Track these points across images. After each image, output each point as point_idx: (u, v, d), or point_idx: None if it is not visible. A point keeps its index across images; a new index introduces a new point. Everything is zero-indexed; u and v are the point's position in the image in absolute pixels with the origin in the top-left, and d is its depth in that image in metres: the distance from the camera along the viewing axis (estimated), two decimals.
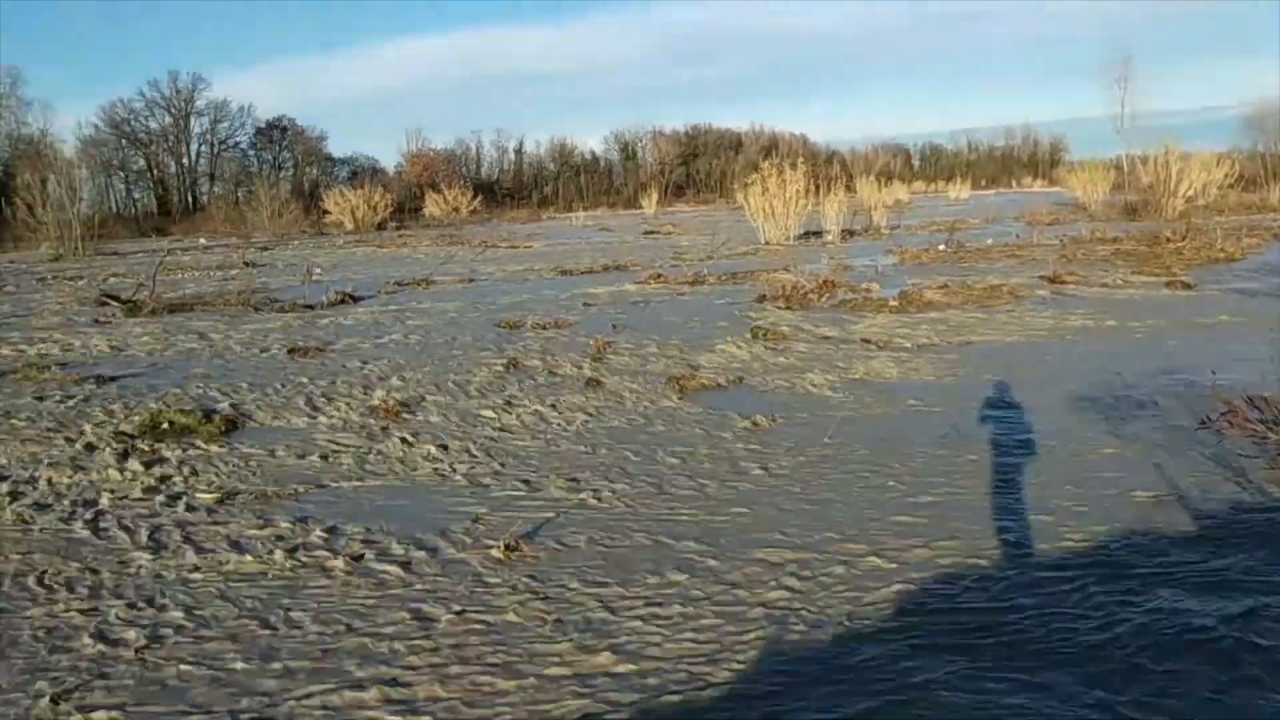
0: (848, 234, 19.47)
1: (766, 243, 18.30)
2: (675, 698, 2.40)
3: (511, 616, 2.88)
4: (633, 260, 15.59)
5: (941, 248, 15.14)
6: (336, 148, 56.95)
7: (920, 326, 7.97)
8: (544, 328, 8.47)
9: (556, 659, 2.61)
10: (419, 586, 3.13)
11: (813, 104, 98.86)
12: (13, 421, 5.35)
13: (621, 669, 2.55)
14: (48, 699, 2.46)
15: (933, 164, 65.31)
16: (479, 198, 43.05)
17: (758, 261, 14.70)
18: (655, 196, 42.48)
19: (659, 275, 12.68)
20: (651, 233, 24.99)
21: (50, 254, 21.79)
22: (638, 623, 2.81)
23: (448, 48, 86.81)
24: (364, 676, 2.55)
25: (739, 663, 2.55)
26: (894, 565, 3.16)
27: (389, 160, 55.79)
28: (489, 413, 5.45)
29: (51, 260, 20.60)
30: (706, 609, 2.89)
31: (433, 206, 40.17)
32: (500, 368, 6.65)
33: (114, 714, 2.40)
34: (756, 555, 3.29)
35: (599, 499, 3.94)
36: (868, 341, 7.41)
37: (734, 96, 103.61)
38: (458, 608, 2.95)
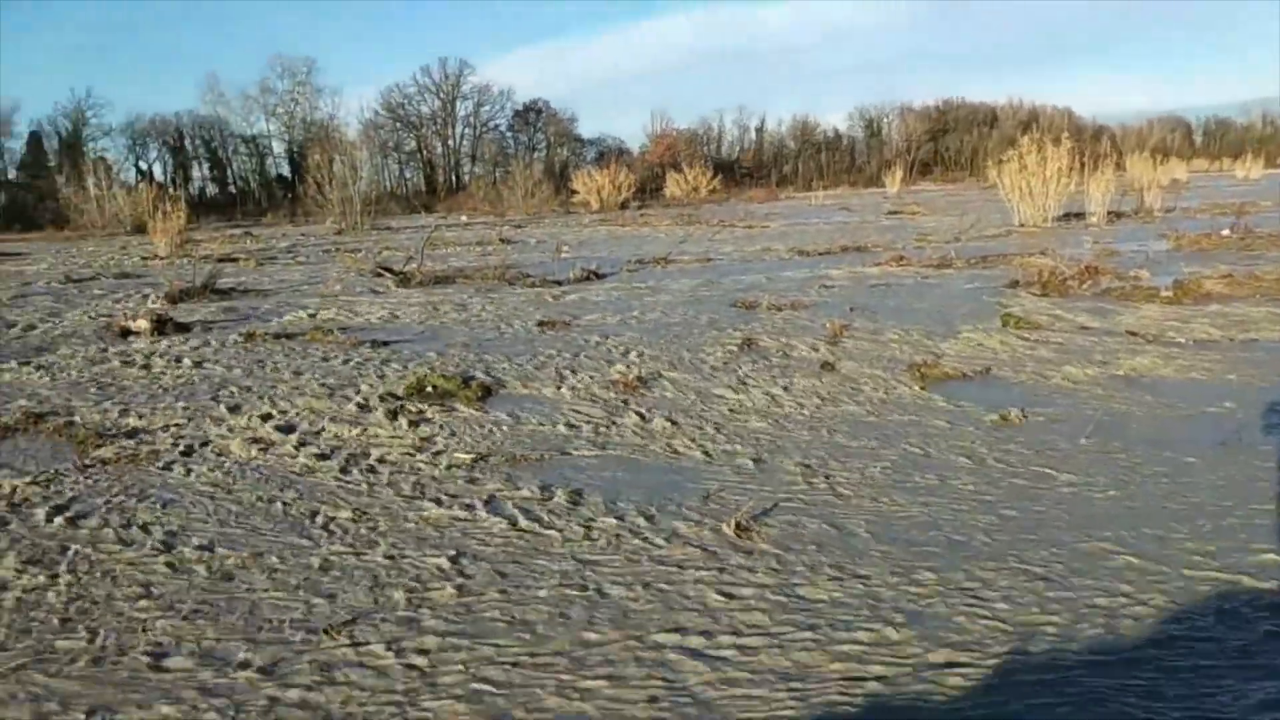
0: (1114, 216, 17.96)
1: (1021, 224, 17.23)
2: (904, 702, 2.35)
3: (747, 594, 2.92)
4: (873, 241, 15.18)
5: (1226, 232, 13.63)
6: (586, 129, 59.13)
7: (1197, 320, 7.24)
8: (779, 309, 8.44)
9: (788, 644, 2.63)
10: (653, 556, 3.24)
11: (1079, 74, 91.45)
12: (304, 378, 6.03)
13: (849, 664, 2.53)
14: (322, 630, 2.77)
15: (1218, 139, 58.78)
16: (718, 177, 43.32)
17: (1010, 244, 13.89)
18: (899, 175, 41.03)
19: (901, 257, 12.28)
20: (894, 213, 24.19)
21: (334, 228, 24.17)
22: (865, 612, 2.77)
23: (694, 26, 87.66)
24: (602, 638, 2.68)
25: (977, 680, 2.46)
26: (1169, 584, 2.92)
27: (634, 140, 57.22)
28: (722, 391, 5.52)
29: (335, 234, 22.82)
30: (932, 606, 2.80)
31: (673, 186, 40.87)
32: (735, 347, 6.71)
33: (382, 647, 2.66)
34: (999, 562, 3.14)
35: (831, 485, 3.91)
36: (1134, 334, 6.83)
37: (989, 67, 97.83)
38: (697, 580, 3.03)
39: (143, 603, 2.97)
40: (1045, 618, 2.70)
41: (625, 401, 5.36)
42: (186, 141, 50.38)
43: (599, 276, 11.54)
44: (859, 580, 2.99)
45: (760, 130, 59.70)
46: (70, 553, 3.38)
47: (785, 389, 5.53)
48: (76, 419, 5.15)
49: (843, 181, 52.32)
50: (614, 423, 4.95)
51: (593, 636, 2.68)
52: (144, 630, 2.78)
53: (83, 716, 2.34)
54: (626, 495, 3.85)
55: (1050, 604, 2.78)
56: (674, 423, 4.91)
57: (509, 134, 56.14)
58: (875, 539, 3.32)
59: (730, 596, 2.90)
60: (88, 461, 4.44)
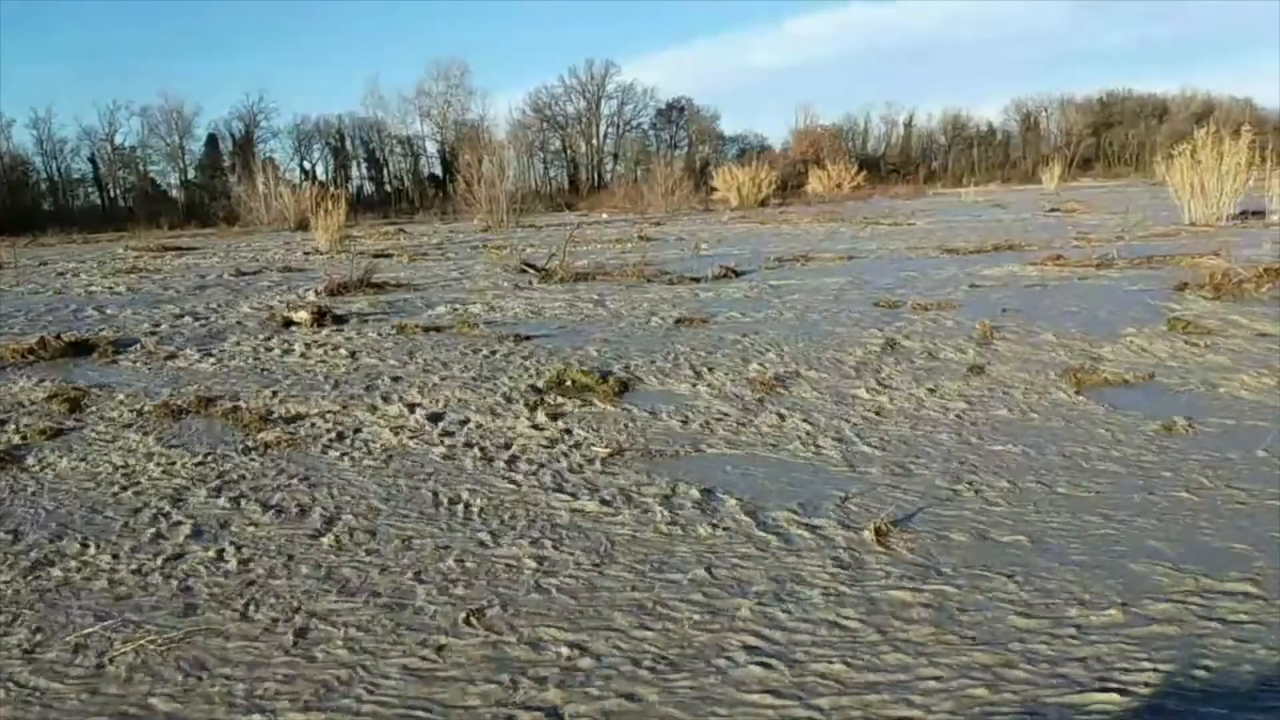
0: None
1: (1191, 223, 16.10)
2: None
3: (889, 602, 2.83)
4: (1028, 240, 14.51)
5: None
6: (728, 126, 59.01)
7: None
8: (925, 308, 8.17)
9: (936, 654, 2.53)
10: (788, 560, 3.18)
11: (1263, 61, 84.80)
12: (450, 370, 6.24)
13: (1006, 672, 2.41)
14: (462, 616, 2.84)
15: None
16: (862, 173, 42.41)
17: (1179, 244, 13.00)
18: (1057, 170, 39.07)
19: (1058, 257, 11.68)
20: (1052, 210, 23.05)
21: (481, 225, 24.95)
22: (1017, 618, 2.63)
23: (840, 22, 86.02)
24: (736, 637, 2.65)
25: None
26: None
27: (777, 138, 56.69)
28: (862, 393, 5.38)
29: (482, 231, 23.55)
30: (1092, 623, 2.64)
31: (815, 182, 40.26)
32: (876, 348, 6.54)
33: (514, 639, 2.71)
34: (1167, 579, 2.93)
35: (978, 494, 3.74)
36: None
37: (1158, 57, 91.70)
38: (828, 587, 2.96)
39: (293, 581, 3.13)
40: (1220, 642, 2.50)
41: (762, 400, 5.30)
42: (347, 142, 53.13)
43: (737, 274, 11.46)
44: (1006, 596, 2.85)
45: (909, 125, 58.11)
46: (232, 530, 3.60)
47: (930, 391, 5.34)
48: (242, 404, 5.49)
49: (995, 177, 50.30)
50: (750, 421, 4.90)
51: (728, 637, 2.65)
52: (295, 612, 2.93)
53: (231, 685, 2.48)
54: (761, 495, 3.80)
55: (1223, 635, 2.57)
56: (811, 423, 4.82)
57: (651, 132, 56.64)
58: (1026, 552, 3.16)
59: (869, 606, 2.82)
60: (251, 444, 4.72)
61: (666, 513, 3.63)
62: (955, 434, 4.56)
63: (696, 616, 2.78)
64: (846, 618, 2.73)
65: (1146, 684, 2.32)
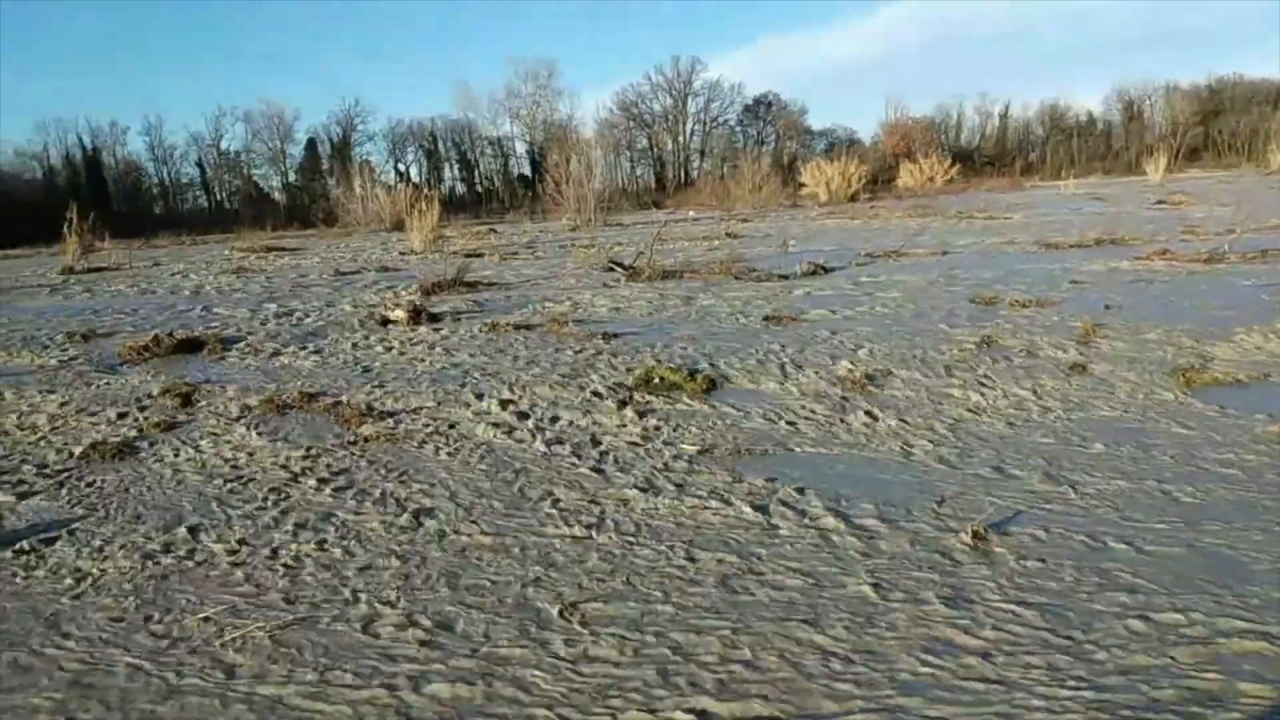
0: None
1: None
2: None
3: (988, 610, 2.77)
4: (1131, 234, 13.95)
5: None
6: (816, 120, 58.28)
7: None
8: (1023, 305, 7.94)
9: (1038, 668, 2.47)
10: (879, 560, 3.14)
11: None
12: (540, 367, 6.32)
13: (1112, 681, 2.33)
14: (556, 610, 2.88)
15: None
16: (956, 166, 41.42)
17: None
18: (1163, 161, 37.44)
19: (1164, 251, 11.22)
20: (1158, 202, 22.12)
21: (569, 225, 25.19)
22: (1123, 628, 2.55)
23: (932, 12, 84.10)
24: (825, 641, 2.63)
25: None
26: None
27: (866, 131, 55.81)
28: (958, 392, 5.26)
29: (570, 230, 23.77)
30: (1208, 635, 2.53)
31: (906, 176, 39.50)
32: (972, 346, 6.38)
33: (611, 637, 2.74)
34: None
35: (1081, 496, 3.63)
36: None
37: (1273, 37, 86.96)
38: (927, 589, 2.91)
39: (391, 572, 3.22)
40: None
41: (853, 399, 5.23)
42: (439, 144, 54.25)
43: (827, 270, 11.32)
44: (1112, 605, 2.75)
45: (1004, 116, 56.49)
46: (335, 520, 3.72)
47: (1029, 391, 5.20)
48: (343, 399, 5.67)
49: (1096, 169, 48.51)
50: (840, 420, 4.84)
51: (819, 639, 2.63)
52: (393, 603, 3.02)
53: (331, 673, 2.57)
54: (852, 495, 3.75)
55: None
56: (905, 423, 4.73)
57: (738, 128, 56.38)
58: (1133, 559, 3.05)
59: (967, 607, 2.76)
60: (351, 438, 4.87)
61: (756, 512, 3.61)
62: (1056, 435, 4.43)
63: (784, 620, 2.76)
64: (942, 625, 2.68)
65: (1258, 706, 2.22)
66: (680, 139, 55.23)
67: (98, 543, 3.59)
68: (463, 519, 3.68)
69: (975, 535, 3.23)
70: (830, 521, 3.48)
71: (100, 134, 48.19)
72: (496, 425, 5.01)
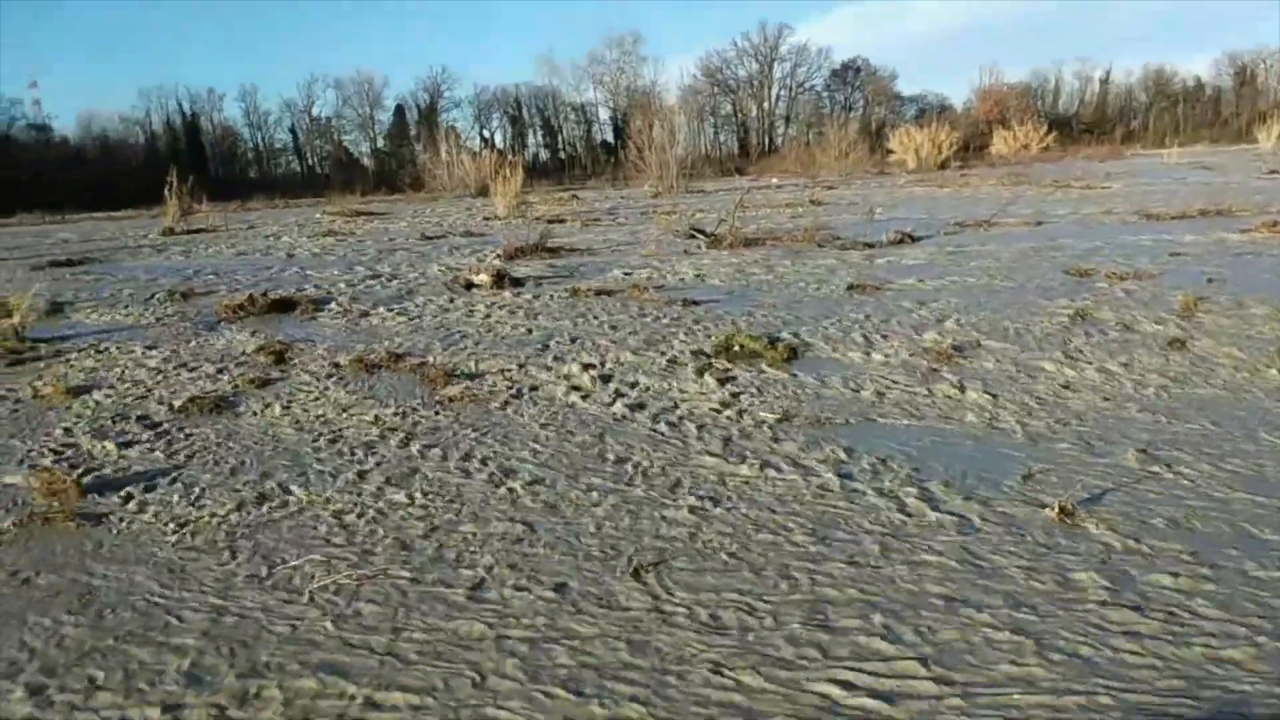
0: None
1: None
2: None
3: (1074, 586, 2.70)
4: (1239, 205, 13.28)
5: None
6: (906, 86, 56.82)
7: None
8: (1120, 278, 7.64)
9: (1123, 648, 2.40)
10: (961, 534, 3.08)
11: None
12: (620, 333, 6.35)
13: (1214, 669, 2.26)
14: (630, 570, 2.91)
15: None
16: (1052, 134, 39.95)
17: None
18: (1276, 129, 35.41)
19: (1275, 223, 10.65)
20: (1271, 172, 20.99)
21: (651, 191, 25.11)
22: (1217, 613, 2.46)
23: None
24: (900, 614, 2.60)
25: None
26: None
27: (958, 97, 54.18)
28: (1048, 365, 5.11)
29: (652, 197, 23.71)
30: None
31: (999, 144, 38.27)
32: (1065, 318, 6.18)
33: (684, 592, 2.76)
34: None
35: (1176, 476, 3.50)
36: None
37: None
38: (1017, 563, 2.85)
39: (473, 527, 3.29)
40: None
41: (938, 370, 5.12)
42: (524, 110, 54.52)
43: (914, 239, 11.07)
44: (1207, 590, 2.66)
45: (1105, 82, 54.18)
46: (419, 477, 3.81)
47: (1124, 366, 5.01)
48: (428, 360, 5.79)
49: (1202, 137, 46.25)
50: (925, 391, 4.75)
51: (876, 619, 2.61)
52: (474, 557, 3.09)
53: (412, 621, 2.65)
54: (935, 467, 3.69)
55: None
56: (992, 395, 4.62)
57: (825, 94, 55.27)
58: (1229, 542, 2.93)
59: (1057, 585, 2.69)
60: (436, 398, 4.97)
61: (836, 481, 3.58)
62: (1151, 412, 4.27)
63: (861, 592, 2.74)
64: (1024, 597, 2.63)
65: None
66: (765, 105, 54.43)
67: (197, 491, 3.75)
68: (543, 480, 3.73)
69: (1063, 511, 3.14)
70: (911, 493, 3.43)
71: (199, 100, 49.83)
72: (577, 389, 5.05)
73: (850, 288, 7.78)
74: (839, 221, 13.94)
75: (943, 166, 31.82)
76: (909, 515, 3.24)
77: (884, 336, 5.91)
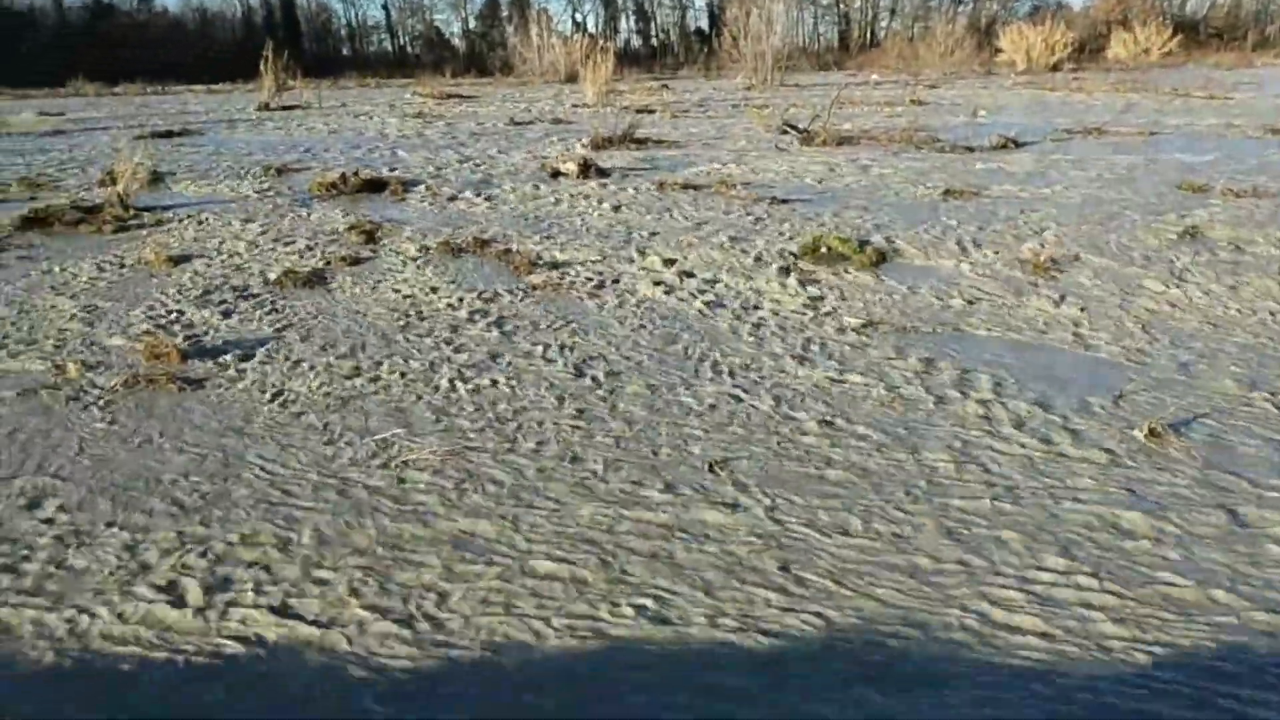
0: None
1: None
2: None
3: (1157, 500, 2.65)
4: None
5: None
6: None
7: None
8: (1238, 195, 7.22)
9: (1207, 574, 2.36)
10: (1045, 450, 3.03)
11: None
12: (705, 229, 6.28)
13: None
14: (706, 465, 2.95)
15: None
16: (1176, 37, 37.34)
17: None
18: None
19: None
20: None
21: (744, 83, 24.41)
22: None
23: None
24: (980, 532, 2.59)
25: None
26: None
27: None
28: (1152, 284, 4.90)
29: (745, 89, 23.06)
30: None
31: (1118, 47, 35.93)
32: (1173, 235, 5.89)
33: (758, 488, 2.79)
34: None
35: (1276, 404, 3.36)
36: None
37: None
38: (1091, 484, 2.80)
39: (553, 413, 3.36)
40: None
41: (1035, 283, 4.96)
42: None
43: (1018, 145, 10.59)
44: None
45: None
46: (503, 362, 3.89)
47: (1232, 289, 4.78)
48: (513, 247, 5.83)
49: None
50: (1019, 304, 4.62)
51: (966, 518, 2.60)
52: (553, 440, 3.16)
53: (493, 498, 2.74)
54: (1023, 382, 3.61)
55: None
56: (1089, 312, 4.47)
57: None
58: None
59: (1141, 507, 2.65)
60: (520, 285, 5.03)
61: (919, 390, 3.54)
62: (1258, 337, 4.08)
63: (937, 500, 2.73)
64: (1107, 510, 2.59)
65: None
66: None
67: (291, 363, 3.90)
68: (622, 370, 3.77)
69: (1151, 432, 3.06)
70: (996, 406, 3.37)
71: None
72: (659, 283, 5.04)
73: (947, 192, 7.52)
74: (939, 123, 13.39)
75: (1054, 69, 30.08)
76: (989, 429, 3.19)
77: (978, 245, 5.73)
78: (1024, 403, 3.40)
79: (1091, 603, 2.21)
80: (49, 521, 2.64)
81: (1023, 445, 3.05)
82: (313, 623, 2.18)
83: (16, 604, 2.26)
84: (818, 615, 2.18)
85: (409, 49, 51.70)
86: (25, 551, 2.49)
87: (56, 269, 5.49)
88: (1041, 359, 3.89)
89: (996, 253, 5.54)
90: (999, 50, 32.41)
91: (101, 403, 3.50)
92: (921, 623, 2.15)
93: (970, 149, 10.28)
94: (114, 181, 7.46)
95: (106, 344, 4.18)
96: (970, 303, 4.65)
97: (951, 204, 7.09)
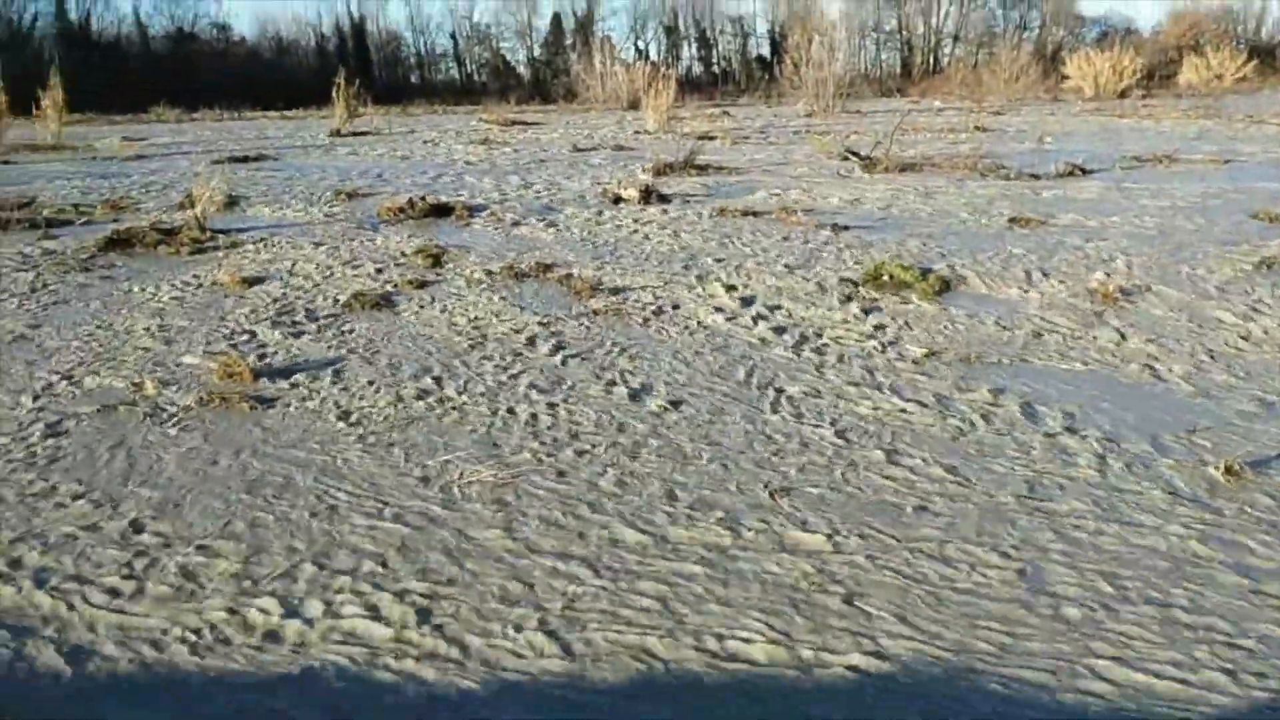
0: None
1: None
2: None
3: (1236, 543, 2.58)
4: None
5: None
6: (1089, 6, 52.69)
7: None
8: None
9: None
10: (1119, 487, 2.97)
11: None
12: (766, 255, 6.28)
13: None
14: (766, 493, 2.94)
15: None
16: (1250, 63, 36.40)
17: None
18: None
19: None
20: None
21: (805, 110, 24.39)
22: None
23: None
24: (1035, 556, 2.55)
25: None
26: None
27: (1146, 20, 49.93)
28: (1226, 316, 4.78)
29: (805, 116, 23.04)
30: None
31: (1189, 72, 35.13)
32: (1249, 266, 5.73)
33: (818, 519, 2.78)
34: None
35: None
36: None
37: None
38: (1162, 525, 2.74)
39: (613, 441, 3.39)
40: None
41: (1102, 314, 4.87)
42: (680, 20, 53.50)
43: (1085, 172, 10.41)
44: None
45: None
46: (565, 385, 3.93)
47: None
48: (574, 272, 5.89)
49: None
50: (1086, 336, 4.54)
51: (1028, 556, 2.55)
52: (609, 469, 3.18)
53: (546, 531, 2.77)
54: (1091, 415, 3.54)
55: None
56: (1160, 345, 4.37)
57: (999, 11, 51.83)
58: None
59: (1218, 550, 2.58)
60: (582, 310, 5.08)
61: (983, 423, 3.49)
62: None
63: (999, 537, 2.69)
64: (1179, 558, 2.53)
65: None
66: (932, 21, 51.50)
67: (358, 385, 3.99)
68: (683, 398, 3.79)
69: (1229, 470, 2.98)
70: (1064, 439, 3.31)
71: (366, 2, 51.06)
72: (719, 310, 5.05)
73: (1012, 220, 7.42)
74: (1004, 150, 13.22)
75: (1123, 95, 29.51)
76: (1057, 463, 3.14)
77: (1045, 274, 5.64)
78: (1092, 436, 3.33)
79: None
80: (145, 533, 2.74)
81: (1088, 479, 2.99)
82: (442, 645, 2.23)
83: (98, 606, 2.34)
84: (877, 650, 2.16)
85: (475, 76, 52.69)
86: (147, 562, 2.58)
87: (136, 289, 5.70)
88: (1112, 392, 3.81)
89: (1064, 282, 5.45)
90: (1065, 77, 31.94)
91: (176, 420, 3.62)
92: (988, 670, 2.12)
93: (1036, 176, 10.13)
94: (192, 205, 7.72)
95: (182, 362, 4.32)
96: (1037, 334, 4.58)
97: (1017, 232, 7.00)
